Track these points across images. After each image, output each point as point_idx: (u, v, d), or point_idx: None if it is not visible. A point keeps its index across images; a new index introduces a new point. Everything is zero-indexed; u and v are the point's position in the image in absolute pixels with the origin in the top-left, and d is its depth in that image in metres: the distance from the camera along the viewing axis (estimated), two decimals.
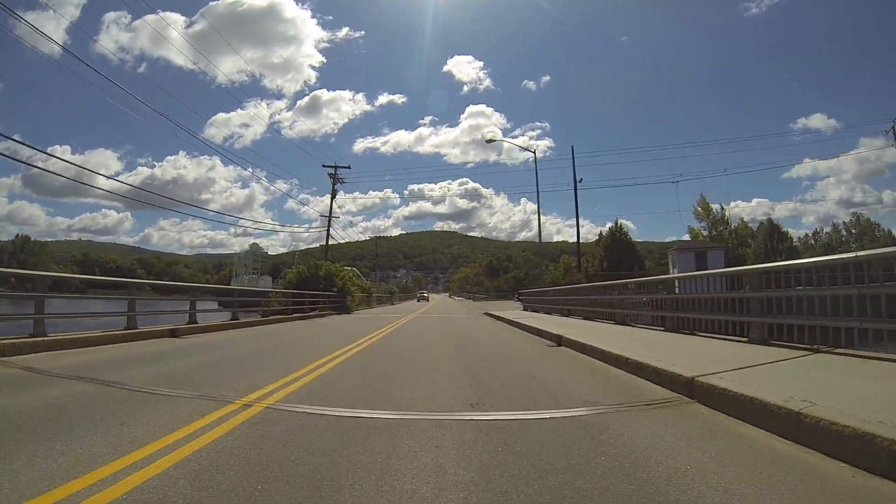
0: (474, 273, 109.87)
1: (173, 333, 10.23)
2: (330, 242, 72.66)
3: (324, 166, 37.41)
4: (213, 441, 2.95)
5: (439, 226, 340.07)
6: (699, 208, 73.29)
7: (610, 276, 50.99)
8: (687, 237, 65.03)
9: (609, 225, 52.55)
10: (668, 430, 3.20)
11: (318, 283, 26.86)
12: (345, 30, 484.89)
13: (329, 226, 35.41)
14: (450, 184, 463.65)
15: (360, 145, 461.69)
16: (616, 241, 51.16)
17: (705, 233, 70.06)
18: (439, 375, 5.55)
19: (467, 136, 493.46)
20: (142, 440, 2.92)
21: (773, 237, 63.98)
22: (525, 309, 24.49)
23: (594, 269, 49.84)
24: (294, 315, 20.05)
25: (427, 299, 61.20)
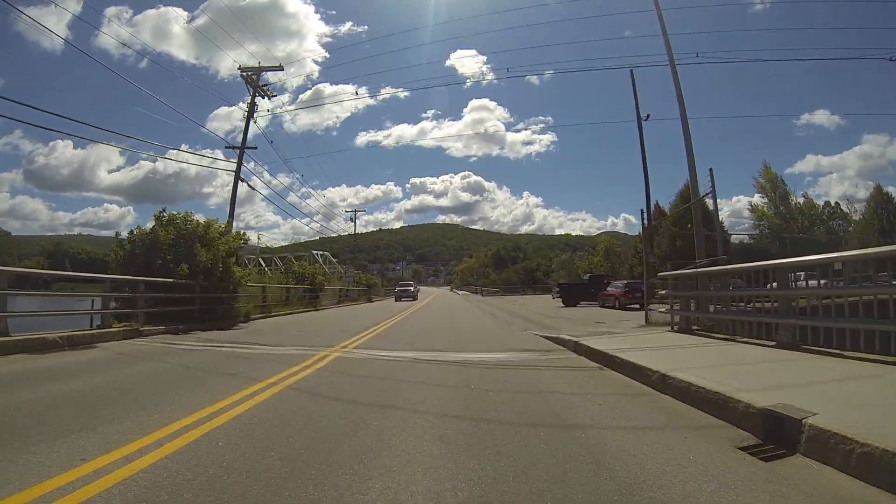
0: (480, 264, 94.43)
1: None
2: (330, 235, 56.33)
3: (241, 70, 21.88)
4: None
5: (441, 219, 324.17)
6: (761, 180, 55.38)
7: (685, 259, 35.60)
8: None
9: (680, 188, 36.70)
10: None
11: (155, 261, 11.65)
12: (348, 24, 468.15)
13: (240, 160, 19.99)
14: (452, 177, 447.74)
15: (362, 139, 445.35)
16: (690, 209, 35.43)
17: (770, 211, 53.54)
18: None
19: (470, 129, 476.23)
20: None
21: (883, 212, 47.79)
22: (682, 329, 8.81)
23: (662, 251, 34.39)
24: None
25: (413, 296, 37.32)
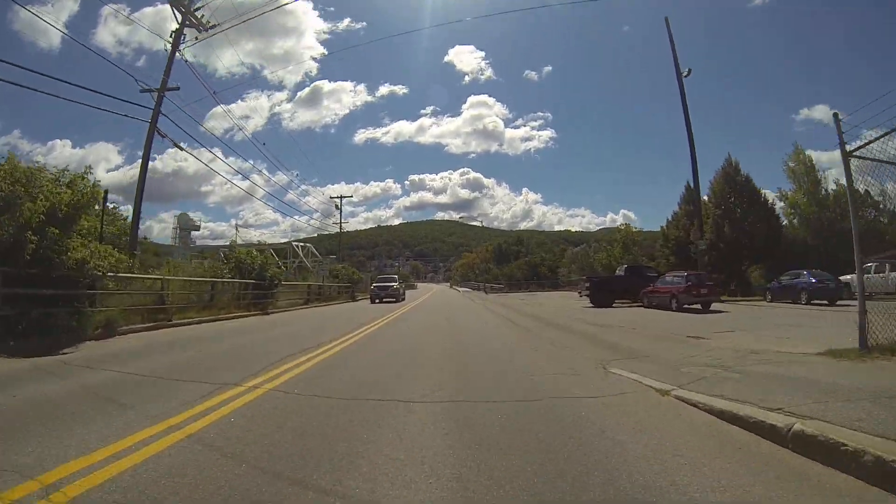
0: (481, 259, 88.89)
1: None
2: (328, 233, 48.72)
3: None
4: None
5: (440, 216, 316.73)
6: (790, 164, 48.54)
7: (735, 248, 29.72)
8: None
9: (721, 167, 30.95)
10: None
11: None
12: (346, 21, 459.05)
13: (159, 103, 14.29)
14: (451, 174, 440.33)
15: (361, 136, 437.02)
16: (736, 189, 30.11)
17: (804, 199, 47.62)
18: None
19: (469, 126, 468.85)
20: None
21: None
22: None
23: (704, 240, 28.89)
24: None
25: (397, 296, 26.29)
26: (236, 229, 63.49)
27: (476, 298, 31.32)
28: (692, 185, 22.25)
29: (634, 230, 39.76)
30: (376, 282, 29.35)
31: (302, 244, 41.85)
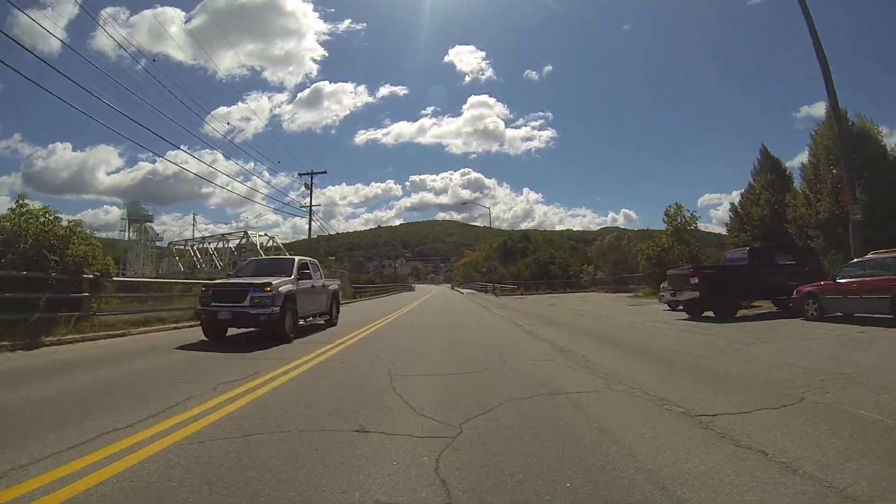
0: (485, 257, 79.94)
1: None
2: (327, 234, 39.43)
3: None
4: None
5: (441, 216, 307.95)
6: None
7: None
8: None
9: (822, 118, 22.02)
10: None
11: None
12: (346, 22, 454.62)
13: None
14: (451, 174, 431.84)
15: (361, 137, 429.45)
16: (854, 141, 21.15)
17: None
18: None
19: (469, 126, 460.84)
20: None
21: None
22: None
23: (823, 213, 19.96)
24: None
25: (275, 322, 7.63)
26: (194, 219, 55.01)
27: (490, 305, 22.47)
28: (832, 112, 13.32)
29: (689, 214, 29.83)
30: (230, 277, 10.94)
31: (266, 235, 33.11)
